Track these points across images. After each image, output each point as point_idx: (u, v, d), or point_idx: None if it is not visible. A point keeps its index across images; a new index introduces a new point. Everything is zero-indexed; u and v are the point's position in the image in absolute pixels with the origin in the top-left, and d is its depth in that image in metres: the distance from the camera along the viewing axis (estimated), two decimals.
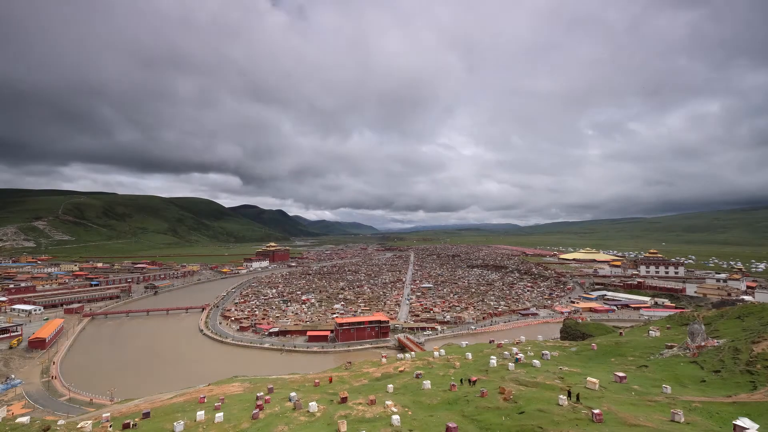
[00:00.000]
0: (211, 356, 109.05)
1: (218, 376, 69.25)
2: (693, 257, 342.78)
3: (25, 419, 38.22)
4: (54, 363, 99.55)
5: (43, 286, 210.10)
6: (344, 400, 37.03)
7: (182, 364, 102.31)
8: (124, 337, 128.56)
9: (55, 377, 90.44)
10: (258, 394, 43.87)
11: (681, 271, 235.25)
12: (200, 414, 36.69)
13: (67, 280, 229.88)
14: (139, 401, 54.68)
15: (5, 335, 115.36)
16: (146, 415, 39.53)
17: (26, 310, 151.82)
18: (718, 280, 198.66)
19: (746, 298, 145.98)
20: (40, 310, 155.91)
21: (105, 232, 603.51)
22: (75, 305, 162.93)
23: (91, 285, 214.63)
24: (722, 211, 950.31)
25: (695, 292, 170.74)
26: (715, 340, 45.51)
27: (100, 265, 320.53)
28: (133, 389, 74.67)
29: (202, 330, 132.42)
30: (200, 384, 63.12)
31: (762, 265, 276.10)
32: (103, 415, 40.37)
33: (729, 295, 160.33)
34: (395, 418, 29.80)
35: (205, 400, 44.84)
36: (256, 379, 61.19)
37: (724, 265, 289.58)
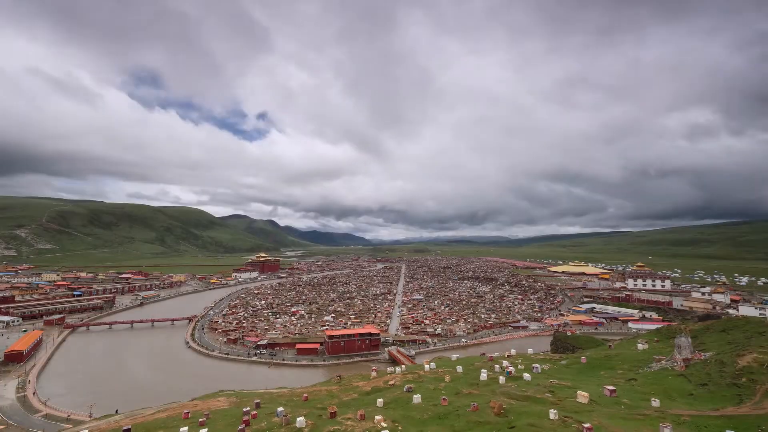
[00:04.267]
0: (196, 369, 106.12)
1: (204, 391, 67.34)
2: (679, 270, 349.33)
3: None
4: (30, 378, 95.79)
5: (22, 296, 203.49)
6: (333, 415, 36.33)
7: (166, 377, 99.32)
8: (107, 350, 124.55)
9: (32, 392, 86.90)
10: (244, 409, 42.77)
11: (667, 284, 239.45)
12: (184, 430, 35.72)
13: (48, 290, 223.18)
14: (120, 417, 52.76)
15: None
16: (127, 431, 38.19)
17: (3, 321, 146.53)
18: (703, 294, 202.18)
19: (731, 311, 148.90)
20: (18, 321, 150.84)
21: (90, 240, 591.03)
22: (56, 316, 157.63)
23: (74, 295, 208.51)
24: (707, 226, 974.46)
25: (681, 305, 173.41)
26: (702, 354, 46.15)
27: (83, 275, 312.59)
28: (115, 404, 72.02)
29: (188, 342, 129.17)
30: (185, 398, 61.33)
31: (745, 279, 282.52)
32: None
33: (714, 308, 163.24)
34: None
35: (190, 416, 43.46)
36: (243, 393, 59.73)
37: (709, 279, 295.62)
